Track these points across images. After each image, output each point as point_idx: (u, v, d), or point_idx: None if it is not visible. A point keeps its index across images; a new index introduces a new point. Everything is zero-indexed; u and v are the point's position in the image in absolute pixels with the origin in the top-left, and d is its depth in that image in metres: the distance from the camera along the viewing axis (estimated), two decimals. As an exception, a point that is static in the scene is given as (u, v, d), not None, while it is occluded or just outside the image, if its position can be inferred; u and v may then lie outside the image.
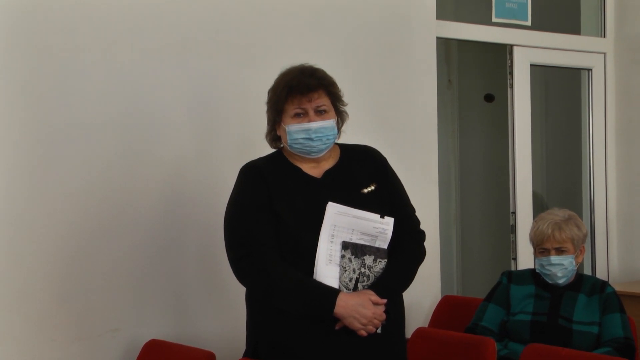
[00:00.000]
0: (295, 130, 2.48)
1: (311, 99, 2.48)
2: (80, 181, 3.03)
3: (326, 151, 2.54)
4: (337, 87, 2.57)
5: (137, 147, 3.16)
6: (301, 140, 2.49)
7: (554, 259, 3.15)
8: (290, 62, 2.61)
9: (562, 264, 3.15)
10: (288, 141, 2.50)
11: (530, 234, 3.27)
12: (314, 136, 2.48)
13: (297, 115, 2.49)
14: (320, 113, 2.50)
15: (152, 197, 3.19)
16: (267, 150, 2.64)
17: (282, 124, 2.51)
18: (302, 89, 2.47)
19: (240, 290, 2.57)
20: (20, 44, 2.92)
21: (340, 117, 2.58)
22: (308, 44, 3.56)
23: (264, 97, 2.63)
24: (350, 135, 2.65)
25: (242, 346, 2.60)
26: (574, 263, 3.18)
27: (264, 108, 2.61)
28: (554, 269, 3.15)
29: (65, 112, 3.00)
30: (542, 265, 3.19)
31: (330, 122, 2.51)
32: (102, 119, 3.07)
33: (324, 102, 2.51)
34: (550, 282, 3.19)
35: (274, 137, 2.59)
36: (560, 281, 3.18)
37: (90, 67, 3.05)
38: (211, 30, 3.33)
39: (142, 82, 3.17)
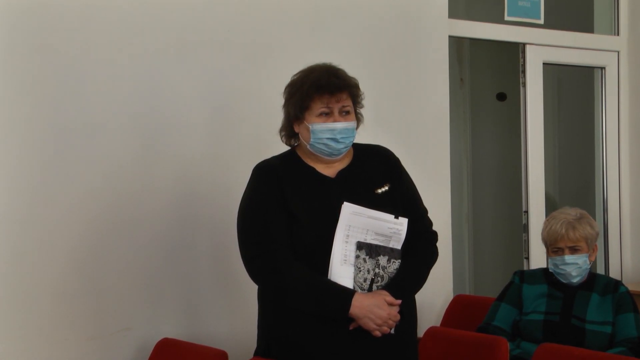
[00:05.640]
0: (320, 129, 2.48)
1: (339, 99, 2.48)
2: (92, 181, 3.04)
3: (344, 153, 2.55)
4: (360, 90, 2.57)
5: (149, 147, 3.16)
6: (326, 140, 2.48)
7: (569, 258, 3.14)
8: (302, 61, 2.61)
9: (577, 263, 3.14)
10: (311, 140, 2.50)
11: (542, 234, 3.26)
12: (339, 137, 2.48)
13: (322, 114, 2.48)
14: (343, 114, 2.50)
15: (165, 196, 3.19)
16: (280, 149, 2.64)
17: (304, 121, 2.51)
18: (331, 88, 2.47)
19: (252, 289, 2.57)
20: (29, 43, 2.93)
21: (357, 119, 2.58)
22: (321, 43, 3.56)
23: (277, 97, 2.63)
24: (363, 135, 2.64)
25: (254, 345, 2.61)
26: (588, 262, 3.17)
27: (278, 108, 2.61)
28: (568, 269, 3.14)
29: (76, 112, 3.01)
30: (556, 265, 3.17)
31: (353, 124, 2.52)
32: (114, 118, 3.09)
33: (348, 103, 2.52)
34: (564, 281, 3.18)
35: (289, 133, 2.59)
36: (575, 280, 3.16)
37: (102, 66, 3.06)
38: (224, 30, 3.33)
39: (154, 81, 3.17)
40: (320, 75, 2.49)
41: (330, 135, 2.48)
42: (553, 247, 3.18)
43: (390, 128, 3.73)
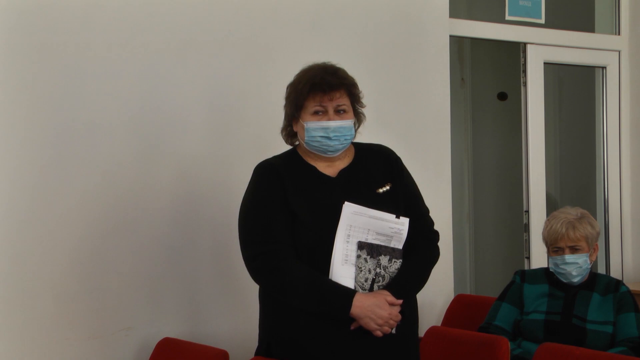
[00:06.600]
0: (313, 127, 2.48)
1: (332, 98, 2.48)
2: (92, 181, 3.04)
3: (342, 151, 2.54)
4: (358, 88, 2.57)
5: (149, 146, 3.16)
6: (319, 138, 2.48)
7: (569, 257, 3.14)
8: (303, 61, 2.61)
9: (577, 263, 3.14)
10: (305, 138, 2.50)
11: (543, 233, 3.26)
12: (332, 135, 2.48)
13: (316, 112, 2.48)
14: (339, 113, 2.50)
15: (166, 196, 3.19)
16: (281, 149, 2.64)
17: (300, 120, 2.51)
18: (324, 87, 2.46)
19: (253, 288, 2.57)
20: (29, 43, 2.92)
21: (358, 118, 2.58)
22: (321, 43, 3.56)
23: (278, 96, 2.63)
24: (364, 135, 2.64)
25: (254, 344, 2.61)
26: (588, 261, 3.17)
27: (279, 107, 2.62)
28: (568, 268, 3.14)
29: (76, 112, 3.01)
30: (556, 265, 3.17)
31: (349, 122, 2.51)
32: (115, 118, 3.08)
33: (344, 101, 2.51)
34: (564, 281, 3.18)
35: (290, 132, 2.59)
36: (575, 280, 3.16)
37: (102, 66, 3.06)
38: (224, 30, 3.33)
39: (155, 81, 3.17)
40: (316, 74, 2.49)
41: (323, 134, 2.48)
42: (553, 246, 3.18)
43: (391, 128, 3.72)
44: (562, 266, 3.15)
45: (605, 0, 4.83)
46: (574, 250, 3.15)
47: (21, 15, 2.90)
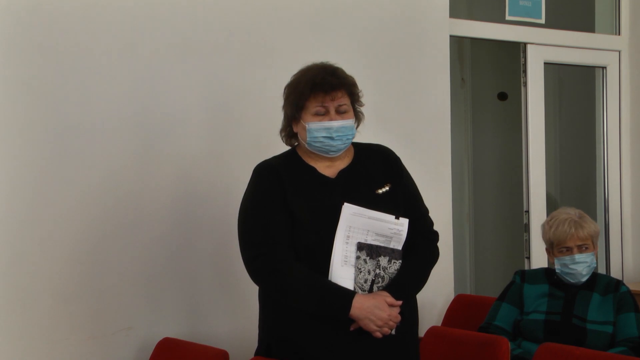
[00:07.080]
0: (316, 128, 2.47)
1: (334, 98, 2.48)
2: (92, 181, 3.04)
3: (343, 151, 2.54)
4: (357, 87, 2.57)
5: (149, 147, 3.16)
6: (322, 139, 2.48)
7: (579, 257, 3.12)
8: (303, 61, 2.61)
9: (586, 262, 3.13)
10: (308, 139, 2.50)
11: (546, 234, 3.22)
12: (335, 135, 2.47)
13: (318, 113, 2.48)
14: (340, 112, 2.49)
15: (165, 196, 3.19)
16: (281, 149, 2.63)
17: (301, 121, 2.50)
18: (325, 87, 2.46)
19: (253, 288, 2.57)
20: (29, 43, 2.92)
21: (357, 117, 2.58)
22: (321, 43, 3.56)
23: (278, 97, 2.63)
24: (364, 134, 2.64)
25: (254, 344, 2.61)
26: (595, 260, 3.17)
27: (278, 107, 2.61)
28: (579, 267, 3.12)
29: (76, 112, 3.01)
30: (564, 265, 3.15)
31: (350, 122, 2.51)
32: (115, 118, 3.08)
33: (345, 101, 2.51)
34: (572, 281, 3.16)
35: (289, 133, 2.59)
36: (583, 279, 3.15)
37: (102, 66, 3.06)
38: (224, 30, 3.33)
39: (155, 81, 3.17)
40: (316, 74, 2.48)
41: (326, 134, 2.47)
42: (560, 246, 3.15)
43: (392, 127, 3.72)
44: (571, 266, 3.13)
45: (605, 0, 4.83)
46: (582, 249, 3.14)
47: (21, 15, 2.90)
